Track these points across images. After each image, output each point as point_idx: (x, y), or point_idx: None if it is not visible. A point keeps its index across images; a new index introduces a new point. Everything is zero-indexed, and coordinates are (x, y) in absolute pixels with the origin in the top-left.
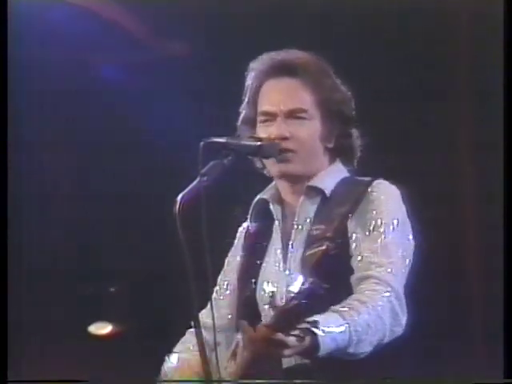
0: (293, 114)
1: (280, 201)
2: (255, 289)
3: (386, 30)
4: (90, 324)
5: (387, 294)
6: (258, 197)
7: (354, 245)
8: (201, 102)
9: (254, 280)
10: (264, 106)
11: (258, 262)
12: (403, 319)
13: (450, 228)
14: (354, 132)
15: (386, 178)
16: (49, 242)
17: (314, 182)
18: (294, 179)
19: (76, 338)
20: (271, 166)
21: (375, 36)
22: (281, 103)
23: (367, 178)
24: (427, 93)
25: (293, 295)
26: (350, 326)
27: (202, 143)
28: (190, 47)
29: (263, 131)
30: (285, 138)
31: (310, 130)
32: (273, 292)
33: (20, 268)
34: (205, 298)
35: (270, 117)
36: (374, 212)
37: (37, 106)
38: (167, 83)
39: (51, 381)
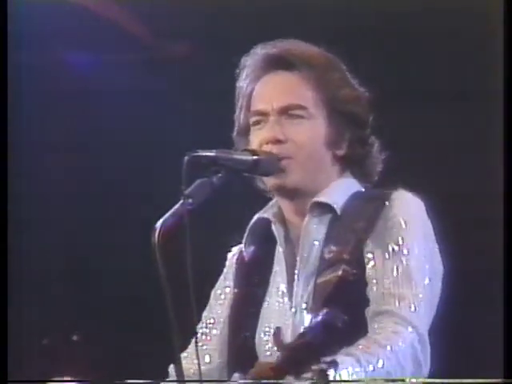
0: (287, 112)
1: (283, 221)
2: (254, 330)
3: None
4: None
5: (410, 336)
6: (257, 216)
7: (370, 271)
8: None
9: (251, 319)
10: (255, 105)
11: (257, 296)
12: (425, 369)
13: (486, 250)
14: (373, 140)
15: (408, 189)
16: (49, 242)
17: (321, 197)
18: (293, 194)
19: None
20: (266, 179)
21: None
22: (273, 100)
23: (384, 190)
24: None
25: (305, 329)
26: (367, 374)
27: (186, 158)
28: (191, 47)
29: (255, 136)
30: (278, 141)
31: (311, 131)
32: (277, 328)
33: (20, 268)
34: (187, 340)
35: (262, 117)
36: (394, 230)
37: (37, 106)
38: (166, 84)
39: (51, 381)
